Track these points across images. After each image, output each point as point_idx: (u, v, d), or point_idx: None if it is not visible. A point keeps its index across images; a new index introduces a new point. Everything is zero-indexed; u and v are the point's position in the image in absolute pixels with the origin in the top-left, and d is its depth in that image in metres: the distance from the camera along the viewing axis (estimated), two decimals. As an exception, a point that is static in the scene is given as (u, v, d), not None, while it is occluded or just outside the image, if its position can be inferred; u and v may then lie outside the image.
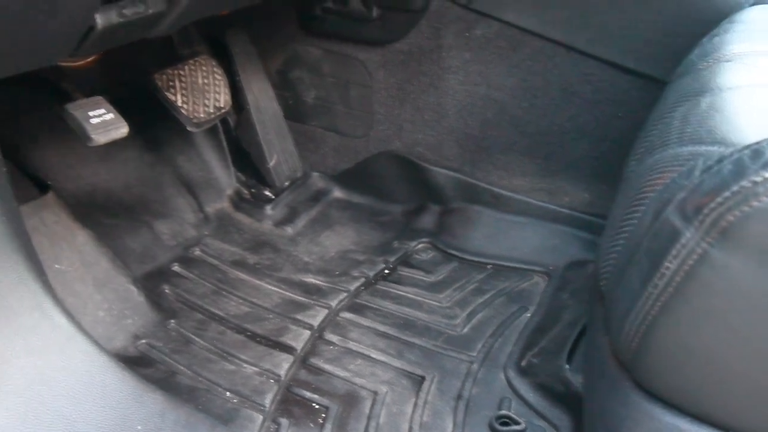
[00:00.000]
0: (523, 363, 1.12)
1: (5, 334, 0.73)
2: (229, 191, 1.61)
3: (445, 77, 1.45)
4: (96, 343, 0.77)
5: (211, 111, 1.38)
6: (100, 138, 0.90)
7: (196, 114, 1.35)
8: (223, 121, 1.63)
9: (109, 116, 0.92)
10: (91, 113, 0.90)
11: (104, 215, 1.35)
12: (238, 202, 1.59)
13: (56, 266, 1.14)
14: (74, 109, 0.90)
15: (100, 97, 0.96)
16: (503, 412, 1.03)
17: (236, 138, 1.63)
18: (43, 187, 1.24)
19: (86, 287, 1.17)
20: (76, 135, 1.38)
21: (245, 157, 1.63)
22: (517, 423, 1.01)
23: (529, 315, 1.25)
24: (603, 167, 1.38)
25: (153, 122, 1.51)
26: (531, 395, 1.06)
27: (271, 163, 1.59)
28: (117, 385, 0.76)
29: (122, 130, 0.93)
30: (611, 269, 0.72)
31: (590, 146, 1.39)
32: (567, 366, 1.07)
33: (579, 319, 1.17)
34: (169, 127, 1.53)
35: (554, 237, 1.44)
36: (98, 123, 0.90)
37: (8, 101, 1.23)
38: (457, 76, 1.43)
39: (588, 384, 0.86)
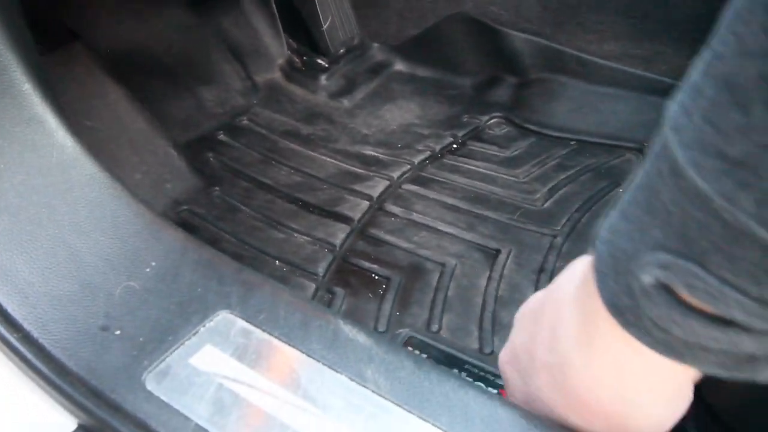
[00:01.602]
0: (618, 238, 0.95)
1: (-2, 144, 0.61)
2: (281, 61, 1.45)
3: None
4: (107, 170, 0.65)
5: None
6: None
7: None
8: (274, -17, 1.46)
9: None
10: None
11: (143, 77, 1.22)
12: (290, 72, 1.43)
13: (87, 123, 1.02)
14: None
15: None
16: (594, 289, 0.88)
17: (288, -1, 1.46)
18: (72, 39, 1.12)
19: (121, 148, 1.06)
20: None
21: (297, 20, 1.46)
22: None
23: (621, 191, 1.08)
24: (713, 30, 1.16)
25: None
26: (626, 271, 0.90)
27: (325, 26, 1.42)
28: (130, 217, 0.63)
29: None
30: None
31: (699, 3, 1.16)
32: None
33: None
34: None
35: (650, 110, 1.23)
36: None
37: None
38: None
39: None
